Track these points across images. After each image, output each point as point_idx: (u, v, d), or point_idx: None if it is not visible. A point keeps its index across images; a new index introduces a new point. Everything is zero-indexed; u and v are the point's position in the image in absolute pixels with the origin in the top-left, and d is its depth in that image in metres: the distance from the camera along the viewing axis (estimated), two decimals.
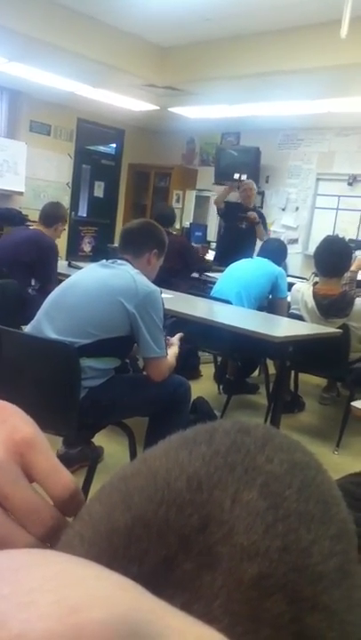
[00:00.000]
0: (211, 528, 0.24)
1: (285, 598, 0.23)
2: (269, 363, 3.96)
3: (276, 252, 4.22)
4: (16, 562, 0.20)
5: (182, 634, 0.18)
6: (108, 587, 0.19)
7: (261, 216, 5.77)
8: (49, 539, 0.30)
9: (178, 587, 0.23)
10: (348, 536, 0.27)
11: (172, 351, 2.43)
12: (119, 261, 2.34)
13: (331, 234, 6.09)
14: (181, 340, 2.58)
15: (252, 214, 5.51)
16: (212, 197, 7.69)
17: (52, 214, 3.99)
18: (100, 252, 4.32)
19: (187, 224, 7.46)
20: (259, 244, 5.35)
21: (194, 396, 2.73)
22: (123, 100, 6.48)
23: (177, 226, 6.59)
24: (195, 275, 5.28)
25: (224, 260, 5.00)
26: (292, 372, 3.79)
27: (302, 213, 7.11)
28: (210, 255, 6.33)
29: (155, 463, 0.28)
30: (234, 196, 6.08)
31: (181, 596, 0.22)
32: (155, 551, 0.24)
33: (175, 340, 2.52)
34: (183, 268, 4.95)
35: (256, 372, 4.42)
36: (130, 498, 0.26)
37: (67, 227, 7.36)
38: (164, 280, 4.33)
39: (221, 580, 0.23)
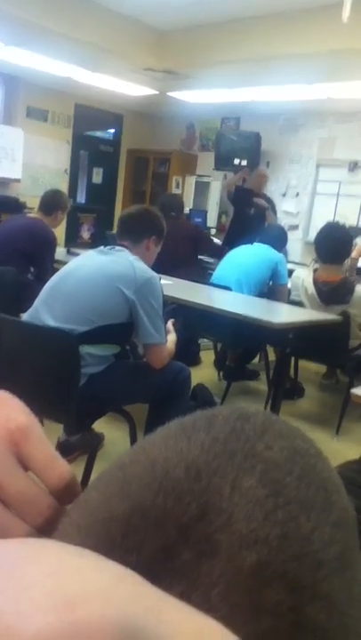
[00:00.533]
0: (210, 516, 0.24)
1: (285, 586, 0.22)
2: (269, 349, 3.96)
3: (277, 238, 4.20)
4: (12, 553, 0.20)
5: (181, 627, 0.18)
6: (106, 578, 0.19)
7: (270, 201, 5.76)
8: (46, 528, 0.29)
9: (176, 576, 0.22)
10: (348, 524, 0.27)
11: (171, 338, 2.43)
12: (117, 248, 2.33)
13: (331, 220, 6.06)
14: (174, 325, 2.56)
15: (261, 201, 5.49)
16: (212, 183, 7.65)
17: (52, 202, 3.96)
18: (99, 239, 4.30)
19: (186, 210, 7.42)
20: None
21: (194, 382, 2.73)
22: (121, 85, 6.41)
23: None
24: (209, 260, 5.24)
25: (233, 244, 4.98)
26: (292, 359, 3.79)
27: (303, 199, 7.07)
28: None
29: (153, 451, 0.27)
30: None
31: (180, 585, 0.22)
32: (153, 540, 0.23)
33: (169, 326, 2.51)
34: (193, 254, 4.93)
35: (256, 359, 4.42)
36: (128, 486, 0.26)
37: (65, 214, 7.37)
38: (173, 266, 4.33)
39: (220, 569, 0.23)
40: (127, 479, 0.26)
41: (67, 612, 0.17)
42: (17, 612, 0.17)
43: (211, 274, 4.39)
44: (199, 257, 5.32)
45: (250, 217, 5.58)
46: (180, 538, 0.23)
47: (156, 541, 0.23)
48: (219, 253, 5.11)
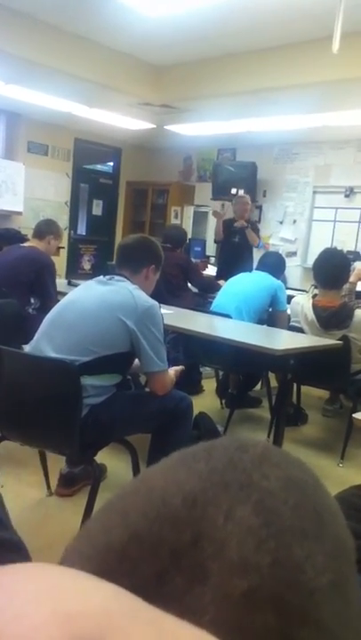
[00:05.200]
0: (202, 544, 0.24)
1: (275, 612, 0.23)
2: (271, 376, 3.95)
3: (275, 265, 4.24)
4: (11, 576, 0.20)
5: (182, 637, 0.19)
6: (103, 595, 0.20)
7: (253, 224, 5.85)
8: None
9: (168, 601, 0.23)
10: (344, 553, 0.27)
11: (172, 373, 2.43)
12: (117, 277, 2.35)
13: (329, 246, 6.12)
14: (180, 373, 2.54)
15: (240, 222, 5.58)
16: (210, 213, 7.74)
17: (43, 228, 4.07)
18: (100, 270, 4.33)
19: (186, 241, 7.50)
20: (256, 254, 5.39)
21: (196, 410, 2.72)
22: (119, 119, 6.55)
23: None
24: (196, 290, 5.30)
25: (224, 274, 5.04)
26: (294, 385, 3.78)
27: (300, 226, 7.14)
28: (210, 270, 6.36)
29: (153, 481, 0.28)
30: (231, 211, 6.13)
31: (172, 609, 0.22)
32: (147, 566, 0.24)
33: (176, 369, 2.50)
34: (184, 284, 4.97)
35: (258, 386, 4.40)
36: (126, 515, 0.26)
37: (65, 245, 7.44)
38: (168, 293, 4.36)
39: (211, 595, 0.23)
40: (126, 508, 0.27)
41: (68, 627, 0.17)
42: (15, 630, 0.17)
43: (210, 302, 4.42)
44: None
45: (235, 245, 5.66)
46: (173, 563, 0.24)
47: (150, 567, 0.24)
48: (207, 287, 5.15)
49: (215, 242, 6.34)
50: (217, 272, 5.86)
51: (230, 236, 5.70)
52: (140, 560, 0.24)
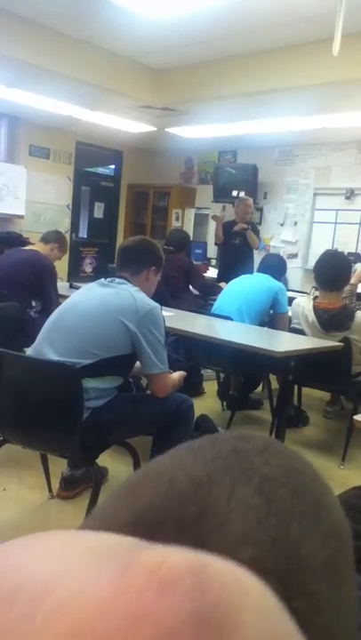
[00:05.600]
0: (207, 518, 0.26)
1: (275, 583, 0.24)
2: (272, 378, 3.95)
3: (276, 267, 4.24)
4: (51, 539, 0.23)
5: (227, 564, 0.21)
6: (127, 538, 0.22)
7: (253, 226, 5.86)
8: None
9: None
10: (340, 535, 0.29)
11: (174, 376, 2.43)
12: (117, 280, 2.36)
13: (330, 247, 6.13)
14: (185, 377, 2.55)
15: (240, 225, 5.59)
16: (210, 216, 7.76)
17: (51, 234, 4.17)
18: (101, 273, 4.36)
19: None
20: (257, 256, 5.40)
21: (198, 413, 2.73)
22: (120, 122, 6.57)
23: None
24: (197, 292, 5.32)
25: (225, 277, 5.05)
26: (295, 387, 3.78)
27: (301, 228, 7.15)
28: (211, 272, 6.37)
29: (161, 468, 0.30)
30: (231, 213, 6.15)
31: None
32: (155, 539, 0.25)
33: (179, 374, 2.51)
34: (187, 286, 4.98)
35: (259, 388, 4.41)
36: (136, 497, 0.28)
37: (67, 248, 7.44)
38: (169, 295, 4.37)
39: None
40: (134, 491, 0.29)
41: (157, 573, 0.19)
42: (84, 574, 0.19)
43: (211, 304, 4.42)
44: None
45: (236, 248, 5.67)
46: (179, 537, 0.25)
47: (158, 540, 0.25)
48: (208, 290, 5.17)
49: (216, 244, 6.36)
50: (218, 274, 5.87)
51: (231, 238, 5.71)
52: (148, 535, 0.25)
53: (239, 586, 0.20)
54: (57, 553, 0.21)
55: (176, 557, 0.20)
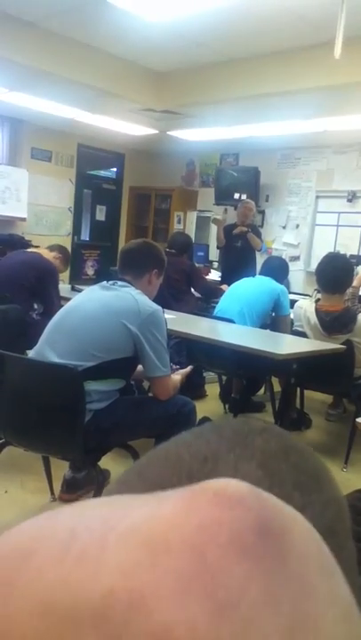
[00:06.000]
0: None
1: None
2: (274, 380, 3.95)
3: (278, 269, 4.24)
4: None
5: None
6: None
7: (255, 228, 5.87)
8: None
9: None
10: (339, 504, 0.30)
11: (177, 377, 2.43)
12: (120, 282, 2.36)
13: (332, 250, 6.13)
14: (192, 371, 2.57)
15: (240, 228, 5.61)
16: (211, 219, 7.76)
17: (54, 246, 4.22)
18: (103, 275, 4.38)
19: None
20: (259, 258, 5.41)
21: (199, 415, 2.72)
22: (122, 125, 6.58)
23: None
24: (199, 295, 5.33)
25: (228, 279, 5.06)
26: (298, 389, 3.77)
27: (303, 231, 7.15)
28: (213, 275, 6.37)
29: (167, 449, 0.31)
30: (233, 216, 6.15)
31: None
32: None
33: (184, 371, 2.52)
34: (189, 289, 4.98)
35: (262, 390, 4.40)
36: (145, 475, 0.30)
37: (69, 251, 7.45)
38: (171, 298, 4.38)
39: None
40: (142, 469, 0.30)
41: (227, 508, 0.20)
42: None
43: (213, 307, 4.42)
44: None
45: (238, 250, 5.68)
46: None
47: None
48: (210, 293, 5.18)
49: (218, 248, 6.36)
50: (221, 277, 5.88)
51: (233, 241, 5.72)
52: None
53: (290, 511, 0.22)
54: (110, 502, 0.22)
55: (238, 483, 0.21)
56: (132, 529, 0.19)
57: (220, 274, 6.51)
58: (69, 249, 7.48)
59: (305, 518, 0.23)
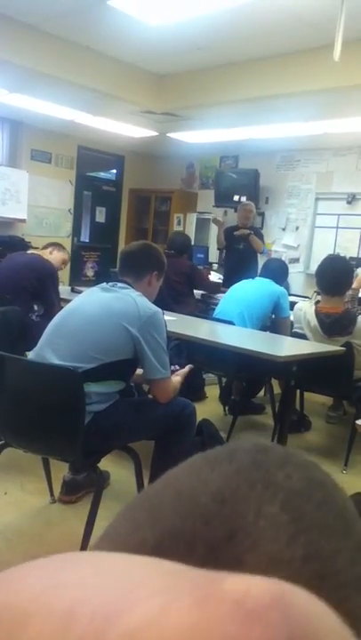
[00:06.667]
0: (238, 538, 0.25)
1: None
2: (274, 382, 3.95)
3: (278, 271, 4.24)
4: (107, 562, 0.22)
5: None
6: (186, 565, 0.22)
7: (256, 230, 5.88)
8: None
9: None
10: None
11: (176, 379, 2.43)
12: (120, 284, 2.36)
13: (331, 252, 6.13)
14: (191, 371, 2.57)
15: (242, 230, 5.62)
16: (211, 219, 7.77)
17: (51, 243, 4.23)
18: (103, 277, 4.38)
19: None
20: (261, 260, 5.41)
21: (199, 417, 2.72)
22: (122, 127, 6.59)
23: None
24: (200, 293, 5.35)
25: (230, 282, 5.07)
26: (298, 392, 3.77)
27: (303, 233, 7.15)
28: (213, 276, 6.38)
29: (178, 482, 0.29)
30: (233, 218, 6.16)
31: None
32: (184, 562, 0.24)
33: (183, 371, 2.52)
34: (189, 291, 4.99)
35: (261, 392, 4.40)
36: (156, 514, 0.27)
37: (69, 252, 7.45)
38: (171, 299, 4.38)
39: None
40: (155, 507, 0.28)
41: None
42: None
43: (213, 309, 4.42)
44: (202, 293, 5.39)
45: (240, 252, 5.69)
46: (211, 558, 0.25)
47: (188, 563, 0.24)
48: (213, 289, 5.21)
49: (218, 249, 6.36)
50: (223, 279, 5.88)
51: (235, 243, 5.73)
52: (176, 557, 0.25)
53: (320, 616, 0.19)
54: (119, 571, 0.20)
55: (259, 587, 0.19)
56: (133, 634, 0.17)
57: (220, 275, 6.52)
58: (69, 250, 7.52)
59: (335, 607, 0.20)
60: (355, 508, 0.30)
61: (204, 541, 0.25)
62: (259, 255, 5.80)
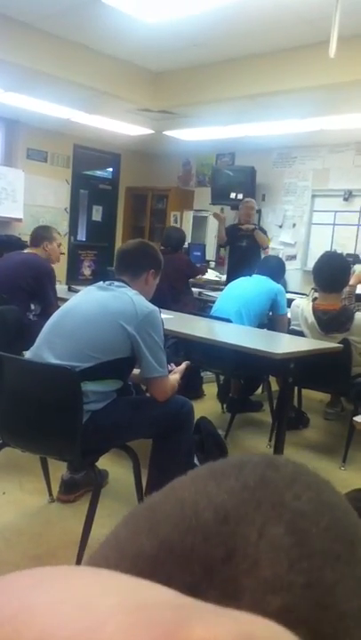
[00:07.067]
0: (236, 559, 0.24)
1: (308, 634, 0.22)
2: (272, 380, 3.95)
3: (275, 269, 4.24)
4: (68, 576, 0.21)
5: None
6: (165, 589, 0.20)
7: (260, 227, 5.89)
8: None
9: None
10: None
11: (174, 377, 2.43)
12: (116, 283, 2.35)
13: (328, 249, 6.14)
14: (188, 368, 2.57)
15: (247, 226, 5.62)
16: (209, 217, 7.76)
17: (37, 235, 4.09)
18: (100, 276, 4.37)
19: (185, 244, 7.51)
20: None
21: (197, 415, 2.72)
22: (118, 125, 6.57)
23: None
24: (198, 291, 5.37)
25: (233, 279, 5.08)
26: (296, 389, 3.77)
27: (299, 230, 7.15)
28: (210, 274, 6.38)
29: (182, 492, 0.28)
30: (230, 215, 6.15)
31: None
32: (179, 577, 0.24)
33: (180, 369, 2.52)
34: (187, 288, 4.98)
35: (259, 390, 4.40)
36: (156, 524, 0.27)
37: (66, 251, 7.45)
38: (170, 299, 4.38)
39: (245, 610, 0.23)
40: (156, 517, 0.27)
41: (139, 616, 0.18)
42: (84, 623, 0.17)
43: (211, 306, 4.42)
44: (199, 291, 5.40)
45: (243, 250, 5.69)
46: (206, 577, 0.24)
47: (182, 579, 0.24)
48: (204, 271, 5.28)
49: (220, 246, 6.35)
50: (226, 277, 5.88)
51: (237, 240, 5.73)
52: (171, 571, 0.24)
53: None
54: (89, 600, 0.19)
55: (228, 635, 0.18)
56: None
57: (217, 273, 6.52)
58: (66, 249, 7.50)
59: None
60: None
61: (201, 559, 0.24)
62: (262, 252, 5.80)
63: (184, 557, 0.25)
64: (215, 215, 6.08)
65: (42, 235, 4.06)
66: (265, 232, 5.97)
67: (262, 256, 5.62)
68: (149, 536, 0.26)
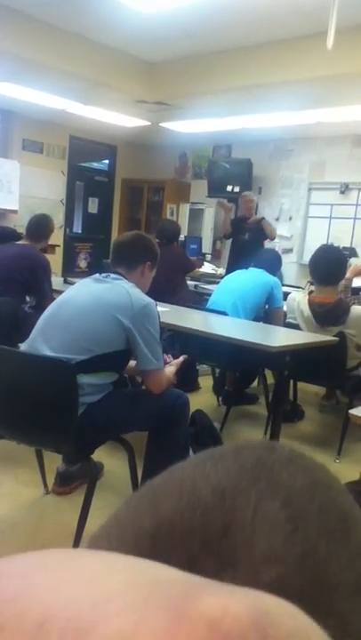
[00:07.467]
0: (232, 532, 0.25)
1: (301, 603, 0.23)
2: (268, 373, 3.95)
3: (271, 262, 4.23)
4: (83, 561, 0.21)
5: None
6: (173, 571, 0.21)
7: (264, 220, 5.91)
8: None
9: None
10: None
11: (170, 369, 2.43)
12: (112, 275, 2.34)
13: (325, 242, 6.13)
14: (185, 362, 2.57)
15: (254, 217, 5.63)
16: (206, 210, 7.74)
17: (38, 231, 4.02)
18: (96, 268, 4.35)
19: (181, 237, 7.50)
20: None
21: (193, 408, 2.72)
22: (114, 117, 6.54)
23: None
24: (194, 284, 5.36)
25: (233, 271, 5.08)
26: (291, 381, 3.78)
27: (296, 223, 7.15)
28: (206, 267, 6.36)
29: (182, 474, 0.29)
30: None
31: None
32: (179, 552, 0.25)
33: (177, 361, 2.52)
34: (183, 280, 4.97)
35: (255, 383, 4.41)
36: (156, 503, 0.28)
37: (61, 243, 7.42)
38: (166, 292, 4.37)
39: (241, 580, 0.23)
40: (156, 497, 0.28)
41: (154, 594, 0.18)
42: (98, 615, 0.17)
43: (207, 299, 4.42)
44: (195, 283, 5.39)
45: (245, 243, 5.68)
46: (204, 550, 0.25)
47: (182, 553, 0.25)
48: (199, 265, 5.30)
49: (224, 237, 6.33)
50: (226, 269, 5.88)
51: (240, 233, 5.73)
52: (171, 546, 0.25)
53: (303, 636, 0.19)
54: (96, 579, 0.19)
55: (238, 606, 0.18)
56: None
57: (213, 266, 6.51)
58: (61, 242, 7.48)
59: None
60: (359, 514, 0.29)
61: (199, 533, 0.25)
62: (267, 243, 5.80)
63: (183, 532, 0.25)
64: (220, 204, 6.07)
65: (44, 231, 4.05)
66: (269, 224, 5.98)
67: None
68: (150, 514, 0.27)
